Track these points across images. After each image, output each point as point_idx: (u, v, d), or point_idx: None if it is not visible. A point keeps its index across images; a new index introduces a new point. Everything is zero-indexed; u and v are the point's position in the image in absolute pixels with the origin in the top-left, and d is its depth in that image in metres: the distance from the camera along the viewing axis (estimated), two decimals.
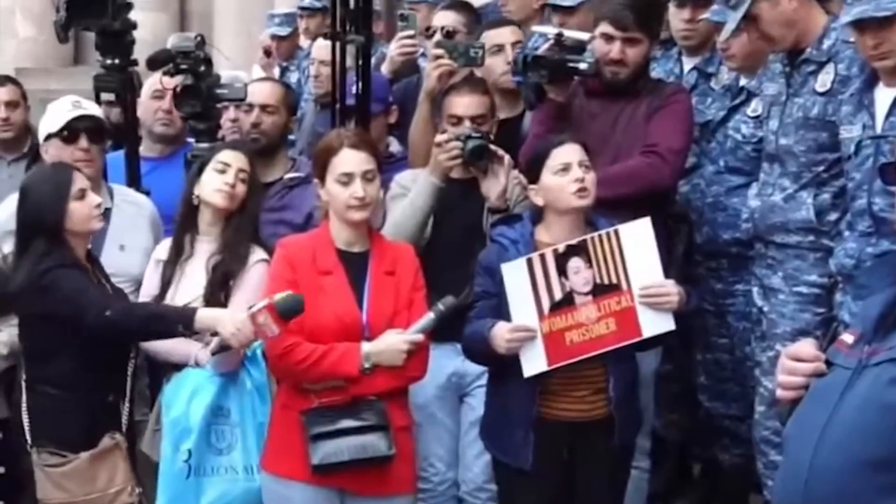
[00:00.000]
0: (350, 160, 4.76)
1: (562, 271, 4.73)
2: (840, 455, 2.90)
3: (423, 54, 7.45)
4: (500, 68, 5.98)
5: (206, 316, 4.73)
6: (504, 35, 6.15)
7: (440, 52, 5.81)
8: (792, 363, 3.17)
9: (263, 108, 6.08)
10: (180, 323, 4.74)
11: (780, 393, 3.20)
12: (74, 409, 4.89)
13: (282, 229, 5.54)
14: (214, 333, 4.72)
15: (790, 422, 3.13)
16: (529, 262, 4.72)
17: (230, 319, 4.65)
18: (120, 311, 4.85)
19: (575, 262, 4.74)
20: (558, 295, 4.74)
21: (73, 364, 4.86)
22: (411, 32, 6.58)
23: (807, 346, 3.20)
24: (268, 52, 10.75)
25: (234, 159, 5.13)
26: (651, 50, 5.73)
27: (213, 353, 4.73)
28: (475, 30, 6.48)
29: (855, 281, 4.78)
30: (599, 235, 4.75)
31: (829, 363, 3.12)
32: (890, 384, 2.89)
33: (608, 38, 5.48)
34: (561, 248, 4.74)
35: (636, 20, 5.48)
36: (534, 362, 4.72)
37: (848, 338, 3.13)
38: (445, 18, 6.62)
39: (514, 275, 4.73)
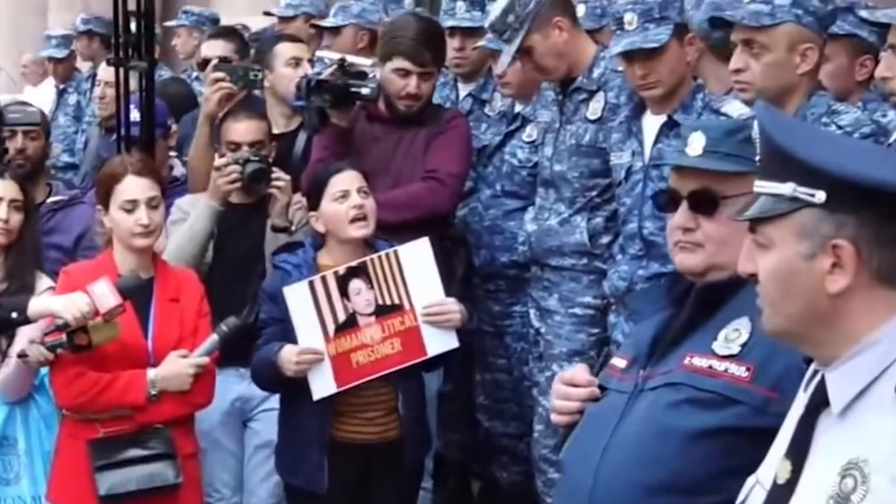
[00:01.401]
0: (134, 187, 4.74)
1: (344, 293, 4.79)
2: (621, 479, 2.93)
3: (199, 78, 7.43)
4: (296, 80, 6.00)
5: (38, 301, 4.67)
6: (301, 49, 6.19)
7: (220, 74, 5.81)
8: (566, 388, 3.19)
9: (26, 133, 6.03)
10: (14, 310, 4.64)
11: (555, 418, 3.22)
12: None
13: (52, 253, 5.47)
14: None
15: (567, 446, 3.15)
16: (311, 284, 4.78)
17: (64, 297, 4.60)
18: None
19: (356, 284, 4.81)
20: (342, 317, 4.80)
21: None
22: None
23: (580, 371, 3.23)
24: None
25: (2, 190, 5.05)
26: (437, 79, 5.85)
27: (46, 334, 4.60)
28: (246, 55, 6.50)
29: (626, 305, 4.91)
30: (379, 257, 4.84)
31: (602, 388, 3.15)
32: (667, 408, 2.94)
33: (404, 73, 5.52)
34: (341, 270, 4.80)
35: (432, 56, 5.57)
36: (322, 385, 4.77)
37: (620, 362, 3.16)
38: (215, 48, 6.61)
39: (297, 298, 4.78)
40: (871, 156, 2.47)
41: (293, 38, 6.54)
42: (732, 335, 2.97)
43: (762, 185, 2.40)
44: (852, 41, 4.87)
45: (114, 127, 6.80)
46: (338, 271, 4.80)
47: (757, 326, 2.86)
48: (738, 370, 2.91)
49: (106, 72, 7.52)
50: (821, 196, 2.30)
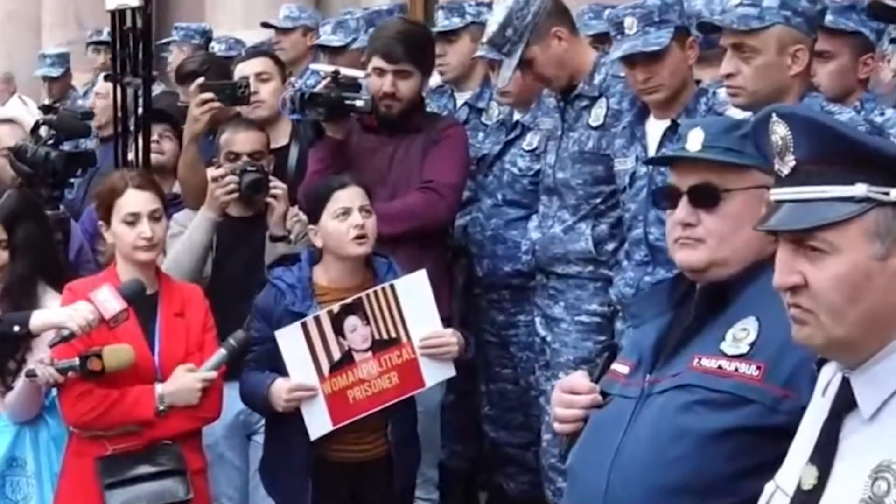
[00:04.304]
0: (136, 200, 4.72)
1: (338, 331, 4.73)
2: (636, 484, 2.91)
3: None
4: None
5: (41, 314, 4.63)
6: (255, 65, 6.03)
7: (209, 95, 5.61)
8: (568, 396, 3.17)
9: None
10: (16, 324, 4.60)
11: (557, 426, 3.20)
12: None
13: None
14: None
15: (574, 454, 3.12)
16: (304, 325, 4.71)
17: (67, 307, 4.56)
18: None
19: (351, 321, 4.74)
20: (337, 355, 4.74)
21: None
22: None
23: (580, 378, 3.21)
24: None
25: None
26: (423, 84, 5.79)
27: (51, 346, 4.54)
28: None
29: (626, 311, 4.87)
30: (375, 292, 4.76)
31: (604, 394, 3.13)
32: (680, 410, 2.92)
33: (380, 72, 5.52)
34: (336, 308, 4.73)
35: (406, 52, 5.53)
36: (318, 424, 4.72)
37: (622, 368, 3.14)
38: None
39: (290, 340, 4.71)
40: None
41: (259, 53, 6.44)
42: (740, 334, 2.94)
43: (808, 191, 2.34)
44: (856, 39, 4.84)
45: (107, 137, 6.83)
46: (332, 310, 4.73)
47: (765, 325, 2.88)
48: (749, 369, 2.89)
49: (103, 85, 7.53)
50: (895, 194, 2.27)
